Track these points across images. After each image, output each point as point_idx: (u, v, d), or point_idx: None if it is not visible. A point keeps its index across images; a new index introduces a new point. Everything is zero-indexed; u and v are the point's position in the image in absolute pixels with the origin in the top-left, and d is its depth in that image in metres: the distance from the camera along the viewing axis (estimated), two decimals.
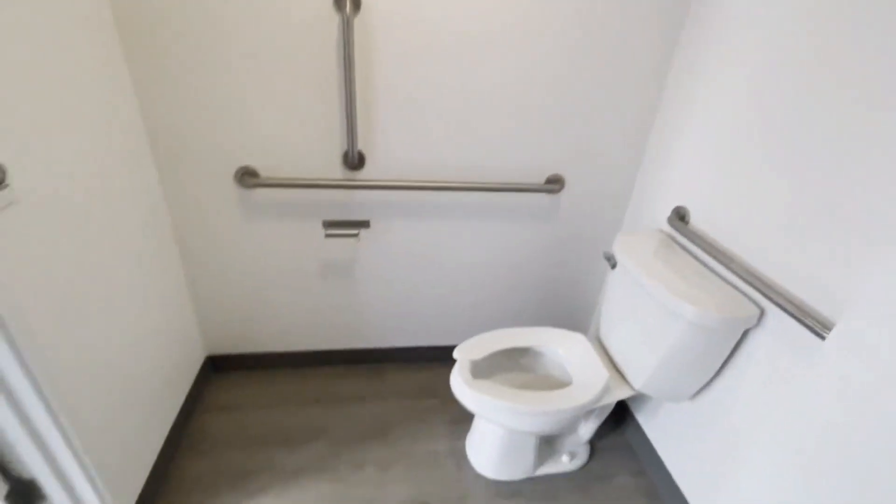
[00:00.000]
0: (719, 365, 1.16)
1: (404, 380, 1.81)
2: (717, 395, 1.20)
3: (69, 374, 0.96)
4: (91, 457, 1.01)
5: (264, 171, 1.37)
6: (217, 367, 1.75)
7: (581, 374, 1.34)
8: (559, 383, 1.45)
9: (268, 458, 1.45)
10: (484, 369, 1.42)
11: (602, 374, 1.32)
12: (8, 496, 0.95)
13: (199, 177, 1.35)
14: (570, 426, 1.56)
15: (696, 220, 1.28)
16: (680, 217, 1.33)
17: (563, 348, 1.43)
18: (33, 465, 0.94)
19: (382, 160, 1.40)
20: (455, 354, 1.36)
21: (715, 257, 1.15)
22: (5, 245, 0.81)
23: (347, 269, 1.60)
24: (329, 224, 1.47)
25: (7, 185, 0.81)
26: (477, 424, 1.49)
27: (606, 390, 1.32)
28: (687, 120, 1.32)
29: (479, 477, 1.45)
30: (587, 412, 1.49)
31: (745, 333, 1.10)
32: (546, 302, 1.82)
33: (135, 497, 1.20)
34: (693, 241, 1.23)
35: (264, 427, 1.55)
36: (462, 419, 1.63)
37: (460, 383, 1.29)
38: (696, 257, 1.27)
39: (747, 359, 1.10)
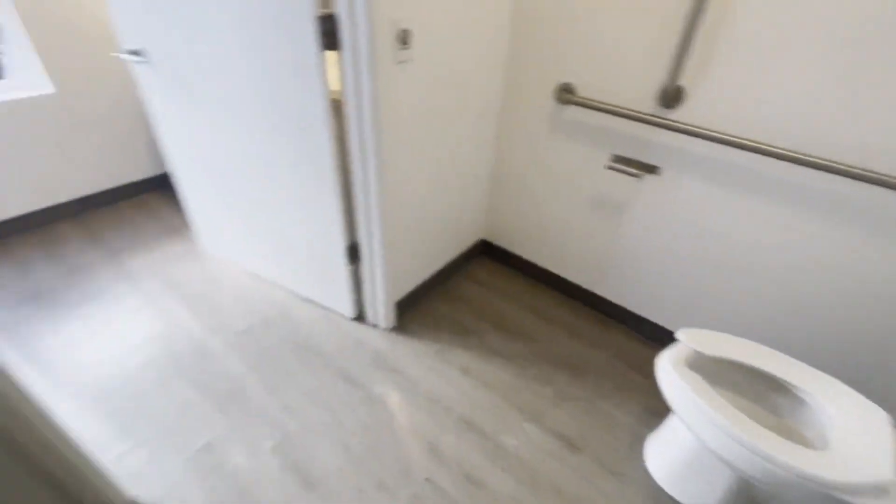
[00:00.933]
0: None
1: (626, 344, 1.71)
2: None
3: (402, 190, 1.41)
4: (387, 251, 1.49)
5: (581, 90, 1.46)
6: (484, 251, 2.12)
7: (847, 451, 0.95)
8: (805, 444, 1.07)
9: (484, 331, 1.73)
10: (708, 371, 1.20)
11: (884, 470, 0.90)
12: (348, 248, 1.54)
13: (530, 80, 1.57)
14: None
15: None
16: None
17: (841, 411, 1.02)
18: (361, 234, 1.48)
19: (705, 104, 1.24)
20: (679, 335, 1.20)
21: None
22: (398, 88, 1.23)
23: (617, 210, 1.57)
24: (616, 157, 1.45)
25: (409, 47, 1.20)
26: (670, 422, 1.30)
27: (877, 494, 0.90)
28: None
29: (644, 471, 1.31)
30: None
31: None
32: (851, 352, 1.29)
33: (395, 299, 1.70)
34: None
35: (493, 310, 1.83)
36: (661, 412, 1.45)
37: (667, 365, 1.15)
38: None
39: None
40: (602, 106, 1.39)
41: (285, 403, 1.43)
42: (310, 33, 1.09)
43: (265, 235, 1.71)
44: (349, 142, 1.29)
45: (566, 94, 1.47)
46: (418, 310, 1.81)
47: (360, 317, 1.75)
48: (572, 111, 1.51)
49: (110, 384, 1.45)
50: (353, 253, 1.56)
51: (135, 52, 1.47)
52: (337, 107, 1.25)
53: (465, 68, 1.43)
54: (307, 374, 1.52)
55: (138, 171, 2.39)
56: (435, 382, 1.52)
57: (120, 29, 1.46)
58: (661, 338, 1.68)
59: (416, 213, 1.56)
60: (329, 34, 1.11)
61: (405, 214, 1.51)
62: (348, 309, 1.71)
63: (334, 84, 1.20)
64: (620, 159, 1.45)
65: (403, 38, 1.16)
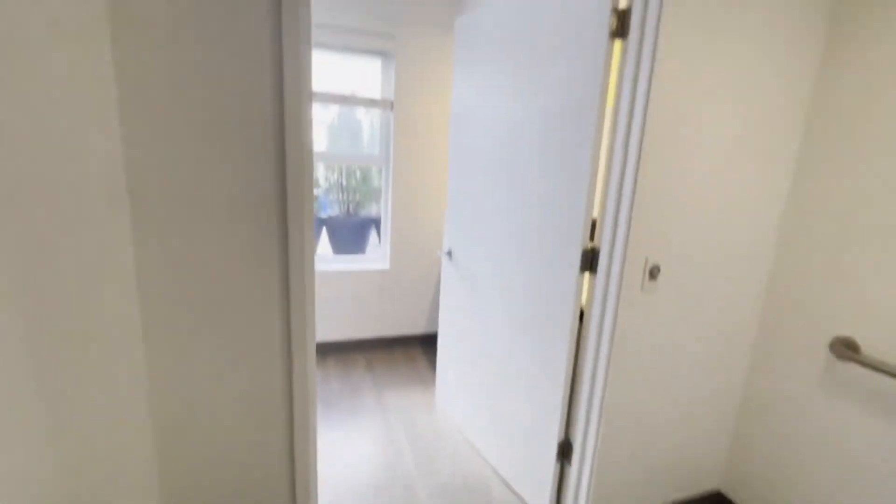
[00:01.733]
0: None
1: None
2: None
3: (628, 406, 1.45)
4: (599, 459, 1.46)
5: (867, 349, 1.27)
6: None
7: None
8: None
9: None
10: None
11: None
12: (560, 443, 1.58)
13: (795, 326, 1.46)
14: None
15: None
16: None
17: None
18: (577, 434, 1.52)
19: None
20: None
21: None
22: (640, 312, 1.38)
23: None
24: None
25: (656, 280, 1.38)
26: None
27: None
28: None
29: None
30: None
31: None
32: None
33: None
34: None
35: None
36: None
37: None
38: None
39: None
40: None
41: None
42: (575, 261, 1.41)
43: (488, 411, 1.92)
44: (585, 348, 1.46)
45: (846, 351, 1.30)
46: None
47: None
48: (855, 371, 1.31)
49: (342, 482, 1.78)
50: (564, 451, 1.58)
51: (448, 253, 2.14)
52: (579, 317, 1.48)
53: (712, 306, 1.48)
54: None
55: (415, 329, 3.12)
56: None
57: (445, 237, 2.18)
58: None
59: (639, 436, 1.51)
60: (589, 261, 1.41)
61: (626, 435, 1.49)
62: None
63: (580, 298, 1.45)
64: None
65: (652, 272, 1.35)
